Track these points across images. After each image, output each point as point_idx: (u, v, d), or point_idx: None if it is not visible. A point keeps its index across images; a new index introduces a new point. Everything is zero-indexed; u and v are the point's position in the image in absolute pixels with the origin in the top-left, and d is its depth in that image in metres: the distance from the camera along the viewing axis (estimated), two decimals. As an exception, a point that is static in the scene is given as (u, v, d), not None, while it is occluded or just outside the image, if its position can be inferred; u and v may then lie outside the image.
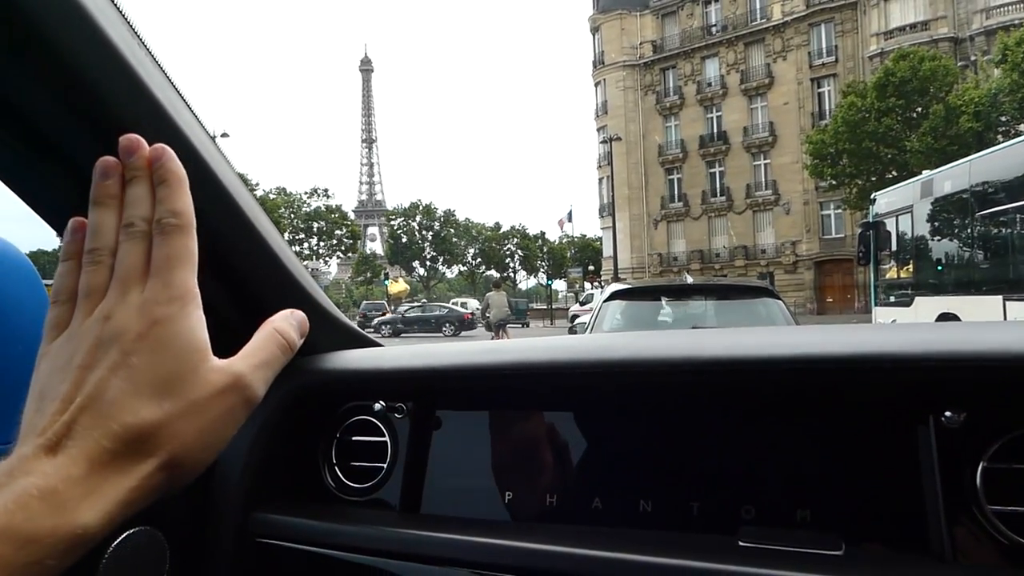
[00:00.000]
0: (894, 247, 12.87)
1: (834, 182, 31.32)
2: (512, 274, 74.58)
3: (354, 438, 1.10)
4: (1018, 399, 0.74)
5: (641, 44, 49.49)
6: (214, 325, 1.02)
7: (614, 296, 5.43)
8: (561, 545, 0.81)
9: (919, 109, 27.32)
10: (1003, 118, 24.06)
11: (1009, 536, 0.71)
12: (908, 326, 0.91)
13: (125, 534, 0.88)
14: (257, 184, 56.88)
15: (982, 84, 25.73)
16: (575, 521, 0.91)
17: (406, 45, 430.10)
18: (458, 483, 1.02)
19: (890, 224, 12.90)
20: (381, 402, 1.06)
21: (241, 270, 0.98)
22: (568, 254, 67.14)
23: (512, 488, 0.96)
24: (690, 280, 5.38)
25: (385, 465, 1.06)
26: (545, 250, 71.72)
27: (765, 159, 45.18)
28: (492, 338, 16.76)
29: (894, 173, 26.19)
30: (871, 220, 13.62)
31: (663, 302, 5.46)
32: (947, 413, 0.74)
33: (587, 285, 49.18)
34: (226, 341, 1.06)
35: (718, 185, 47.04)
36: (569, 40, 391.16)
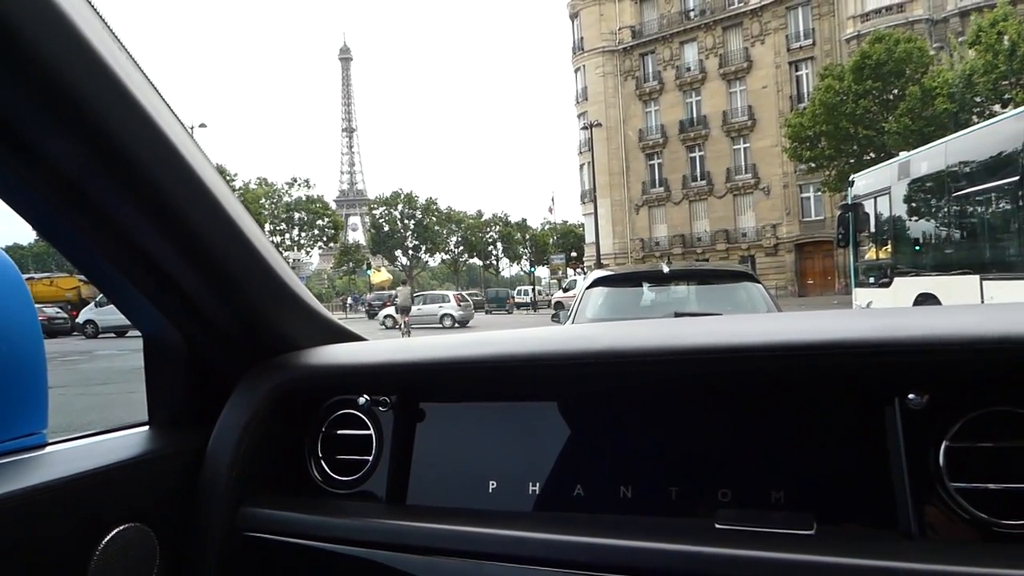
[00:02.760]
0: (873, 228, 12.94)
1: (813, 164, 31.53)
2: (495, 261, 74.47)
3: (339, 432, 1.11)
4: (977, 380, 0.77)
5: (620, 30, 49.36)
6: (198, 322, 1.05)
7: (596, 283, 5.39)
8: (543, 532, 0.84)
9: (895, 91, 27.54)
10: (977, 99, 24.29)
11: (971, 512, 0.74)
12: (872, 312, 0.96)
13: (114, 531, 0.90)
14: (236, 175, 56.18)
15: (956, 66, 25.95)
16: (557, 508, 0.93)
17: (385, 33, 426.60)
18: (443, 474, 1.03)
19: (869, 206, 12.98)
20: (365, 396, 1.08)
21: (223, 267, 0.99)
22: (551, 241, 67.16)
23: (496, 478, 0.99)
24: (665, 269, 5.36)
25: (371, 458, 1.07)
26: (528, 237, 71.65)
27: (745, 143, 45.38)
28: (397, 322, 22.46)
29: (872, 155, 26.44)
30: (850, 202, 13.71)
31: (645, 288, 5.48)
32: (911, 396, 0.77)
33: (570, 272, 49.38)
34: (212, 338, 1.08)
35: (698, 170, 47.20)
36: (549, 26, 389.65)
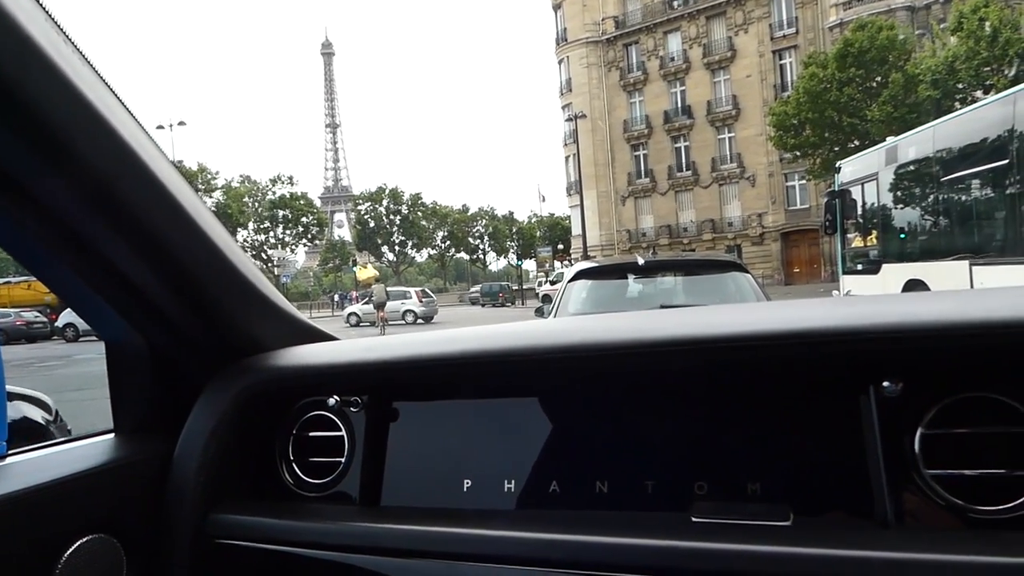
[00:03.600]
0: (860, 215, 12.84)
1: (798, 153, 31.59)
2: (482, 255, 74.30)
3: (311, 434, 1.09)
4: (952, 367, 0.77)
5: (603, 20, 49.18)
6: (162, 326, 1.03)
7: (579, 275, 5.19)
8: (519, 530, 0.83)
9: (878, 78, 27.62)
10: (960, 86, 24.35)
11: (946, 498, 0.74)
12: (847, 300, 0.94)
13: (78, 543, 0.87)
14: (217, 173, 55.75)
15: (939, 53, 25.98)
16: (533, 506, 0.92)
17: (368, 26, 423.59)
18: (417, 474, 1.01)
19: (856, 192, 12.87)
20: (335, 397, 1.05)
21: (185, 269, 0.96)
22: (538, 234, 67.05)
23: (471, 476, 0.97)
24: (641, 261, 5.03)
25: (343, 459, 1.05)
26: (515, 230, 71.53)
27: (729, 132, 45.42)
28: (381, 317, 24.52)
29: (856, 142, 26.46)
30: (836, 189, 13.62)
31: (631, 280, 5.29)
32: (886, 383, 0.76)
33: (557, 264, 49.30)
34: (176, 342, 1.07)
35: (684, 160, 47.20)
36: (532, 18, 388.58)
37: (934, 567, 0.65)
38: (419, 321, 29.05)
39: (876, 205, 12.26)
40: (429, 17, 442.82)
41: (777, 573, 0.70)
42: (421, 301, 30.00)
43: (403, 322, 28.52)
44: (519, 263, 57.00)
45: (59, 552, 0.85)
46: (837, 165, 14.20)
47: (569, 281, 5.19)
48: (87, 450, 1.00)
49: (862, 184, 12.67)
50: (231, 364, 1.10)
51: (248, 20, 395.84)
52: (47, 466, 0.91)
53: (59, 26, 0.75)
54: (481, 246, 73.60)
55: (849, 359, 0.79)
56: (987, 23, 23.09)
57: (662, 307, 4.45)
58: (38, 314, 26.02)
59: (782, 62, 43.32)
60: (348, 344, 1.18)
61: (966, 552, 0.65)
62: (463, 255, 75.44)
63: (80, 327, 24.05)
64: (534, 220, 70.49)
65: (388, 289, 28.45)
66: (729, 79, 45.13)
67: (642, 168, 48.94)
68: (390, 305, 28.11)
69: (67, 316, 24.82)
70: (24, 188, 0.78)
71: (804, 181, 39.09)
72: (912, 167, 11.13)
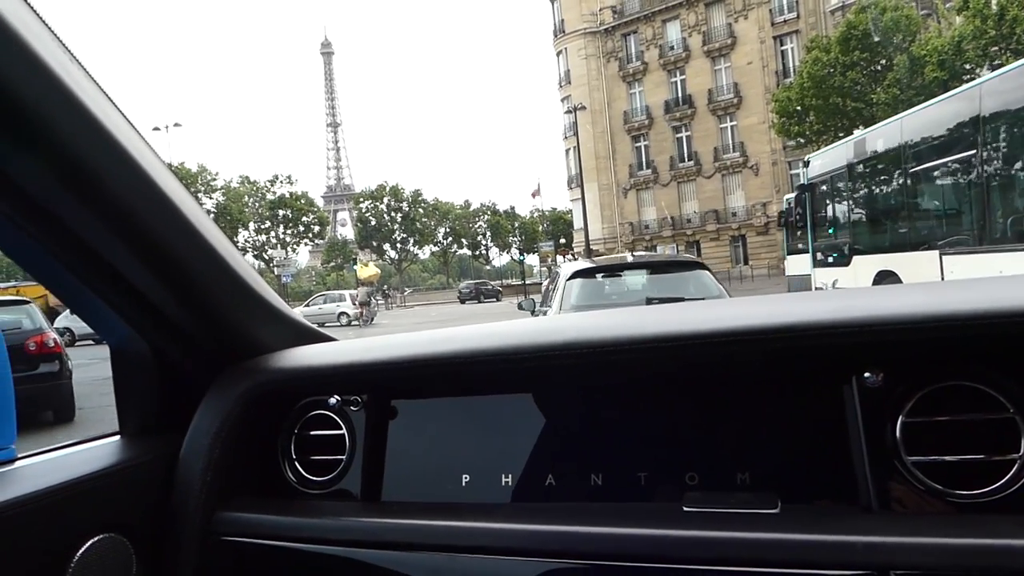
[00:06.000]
0: (829, 208, 12.99)
1: (801, 140, 31.06)
2: (484, 251, 73.91)
3: (312, 432, 1.11)
4: (929, 358, 0.80)
5: (601, 10, 48.60)
6: (165, 330, 1.08)
7: (575, 275, 6.31)
8: (516, 523, 0.86)
9: (883, 61, 27.06)
10: (967, 66, 23.80)
11: (926, 483, 0.77)
12: (825, 294, 0.98)
13: (89, 542, 0.90)
14: (217, 174, 55.51)
15: (945, 33, 25.41)
16: (530, 499, 0.95)
17: (366, 24, 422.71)
18: (416, 469, 1.04)
19: (825, 185, 13.06)
20: (336, 396, 1.08)
21: (186, 275, 0.99)
22: (540, 228, 66.64)
23: (469, 471, 1.00)
24: (630, 258, 6.73)
25: (344, 457, 1.07)
26: (517, 225, 71.14)
27: (732, 121, 44.90)
28: (360, 313, 29.13)
29: (861, 127, 25.89)
30: (805, 183, 13.73)
31: (623, 276, 6.57)
32: (867, 375, 0.80)
33: (559, 259, 48.83)
34: (179, 346, 1.11)
35: (686, 150, 46.71)
36: (528, 10, 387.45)
37: (915, 550, 0.68)
38: (353, 323, 30.42)
39: (845, 197, 12.41)
40: (425, 13, 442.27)
41: (765, 559, 0.73)
42: (354, 304, 31.53)
43: (337, 324, 30.03)
44: (521, 258, 56.66)
45: (72, 551, 0.88)
46: (805, 159, 14.32)
47: (567, 279, 6.23)
48: (95, 452, 1.03)
49: (831, 177, 12.81)
50: (233, 366, 1.13)
51: (247, 22, 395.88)
52: (58, 468, 0.94)
53: (62, 41, 0.77)
54: (484, 242, 73.18)
55: (831, 352, 0.82)
56: (994, 1, 22.53)
57: (648, 300, 5.71)
58: None
59: (783, 48, 42.75)
60: (347, 345, 1.20)
61: (946, 535, 0.68)
62: (466, 251, 75.04)
63: (77, 331, 23.71)
64: (536, 215, 70.03)
65: (327, 293, 32.58)
66: (730, 67, 44.58)
67: (644, 159, 48.43)
68: (327, 307, 31.36)
69: (63, 320, 24.41)
70: (27, 195, 0.80)
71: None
72: (881, 159, 11.19)
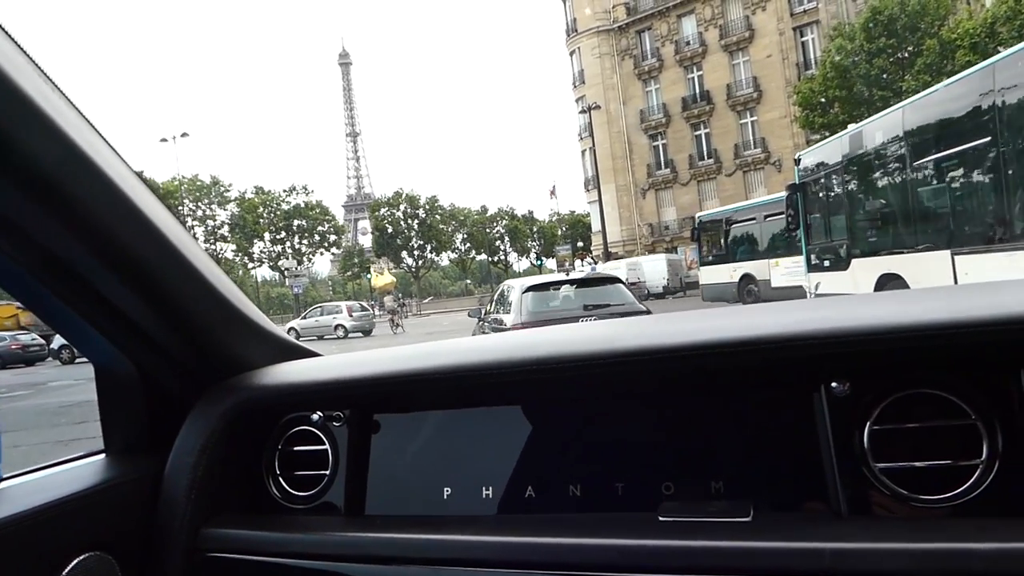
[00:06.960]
0: (825, 208, 12.09)
1: (826, 132, 29.70)
2: (503, 256, 73.02)
3: (296, 448, 1.12)
4: (894, 367, 0.83)
5: (614, 7, 47.54)
6: (149, 350, 1.08)
7: (528, 290, 8.07)
8: (496, 535, 0.88)
9: (911, 47, 25.75)
10: (1000, 49, 22.40)
11: (893, 488, 0.80)
12: (795, 304, 1.02)
13: (75, 561, 0.90)
14: (231, 185, 55.27)
15: (976, 15, 24.00)
16: (510, 511, 0.97)
17: (383, 33, 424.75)
18: (399, 483, 1.05)
19: (819, 184, 12.16)
20: (319, 412, 1.10)
21: (169, 294, 1.00)
22: (558, 232, 65.62)
23: (450, 484, 1.01)
24: (568, 276, 9.12)
25: (328, 472, 1.09)
26: (535, 229, 70.19)
27: (752, 116, 43.51)
28: (391, 320, 30.54)
29: (889, 117, 24.62)
30: (796, 182, 12.85)
31: (562, 290, 8.40)
32: (834, 384, 0.82)
33: (578, 263, 47.73)
34: (164, 364, 1.13)
35: (705, 148, 45.40)
36: (541, 11, 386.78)
37: (884, 554, 0.70)
38: (351, 335, 29.88)
39: (842, 196, 11.41)
40: (440, 19, 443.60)
41: (739, 567, 0.75)
42: (351, 316, 30.96)
43: (335, 336, 29.69)
44: (539, 262, 55.72)
45: (58, 570, 0.88)
46: (796, 157, 13.47)
47: (523, 292, 8.00)
48: (80, 471, 1.04)
49: (826, 175, 11.87)
50: (217, 384, 1.14)
51: (268, 34, 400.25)
52: (43, 488, 0.95)
53: (42, 71, 0.78)
54: (502, 247, 72.33)
55: (798, 364, 0.84)
56: (1030, -21, 21.13)
57: (584, 307, 7.76)
58: (35, 337, 25.26)
59: (804, 39, 41.30)
60: (330, 361, 1.21)
61: (913, 539, 0.70)
62: (484, 257, 74.22)
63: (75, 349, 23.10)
64: (554, 218, 69.04)
65: (323, 305, 32.24)
66: (748, 60, 43.19)
67: (662, 158, 47.18)
68: (323, 320, 30.88)
69: (61, 338, 23.85)
70: (8, 220, 0.81)
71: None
72: (880, 152, 10.18)
